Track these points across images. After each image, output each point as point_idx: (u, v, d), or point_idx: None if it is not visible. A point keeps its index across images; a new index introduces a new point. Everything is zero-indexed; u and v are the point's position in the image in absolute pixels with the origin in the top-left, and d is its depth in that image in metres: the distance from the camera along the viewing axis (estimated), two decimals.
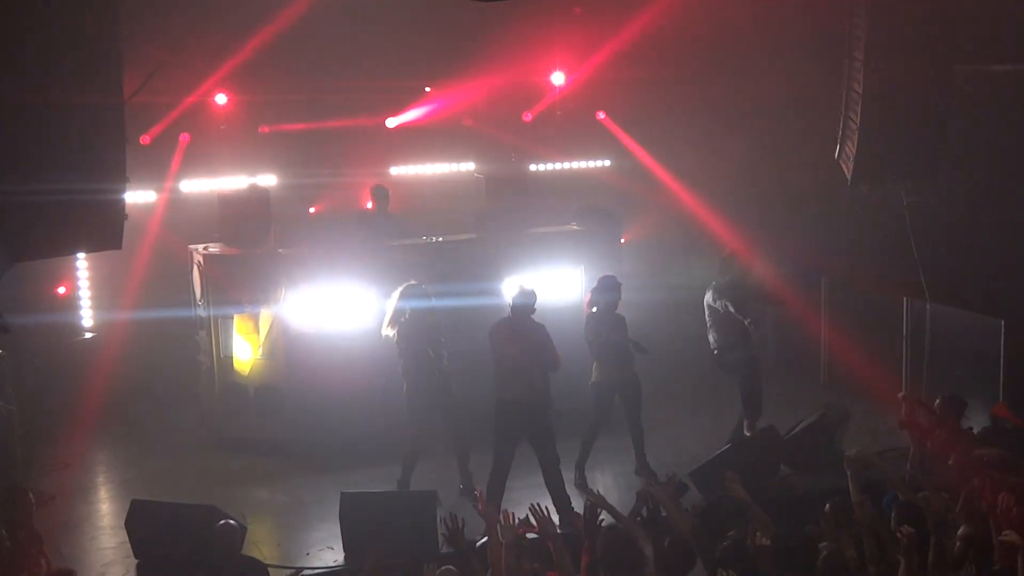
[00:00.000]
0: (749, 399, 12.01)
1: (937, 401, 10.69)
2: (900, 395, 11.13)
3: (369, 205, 14.87)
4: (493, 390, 10.73)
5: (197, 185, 15.25)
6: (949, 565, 7.23)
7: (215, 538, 8.59)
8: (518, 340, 10.64)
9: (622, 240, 14.64)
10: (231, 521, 8.83)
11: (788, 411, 12.46)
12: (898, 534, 7.03)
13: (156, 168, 14.60)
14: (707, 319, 12.11)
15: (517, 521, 7.65)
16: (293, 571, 9.70)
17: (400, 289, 11.39)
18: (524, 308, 10.79)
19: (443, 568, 7.52)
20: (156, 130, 14.61)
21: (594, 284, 11.99)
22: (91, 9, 9.04)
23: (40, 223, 9.16)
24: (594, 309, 11.80)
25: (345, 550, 9.94)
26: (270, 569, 9.37)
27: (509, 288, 11.39)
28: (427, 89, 16.22)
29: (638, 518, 8.07)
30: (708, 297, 12.07)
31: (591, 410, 11.78)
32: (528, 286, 10.97)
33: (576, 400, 12.03)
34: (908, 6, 11.76)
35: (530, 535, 7.73)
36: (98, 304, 14.61)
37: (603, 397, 11.77)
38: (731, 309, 11.77)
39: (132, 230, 10.39)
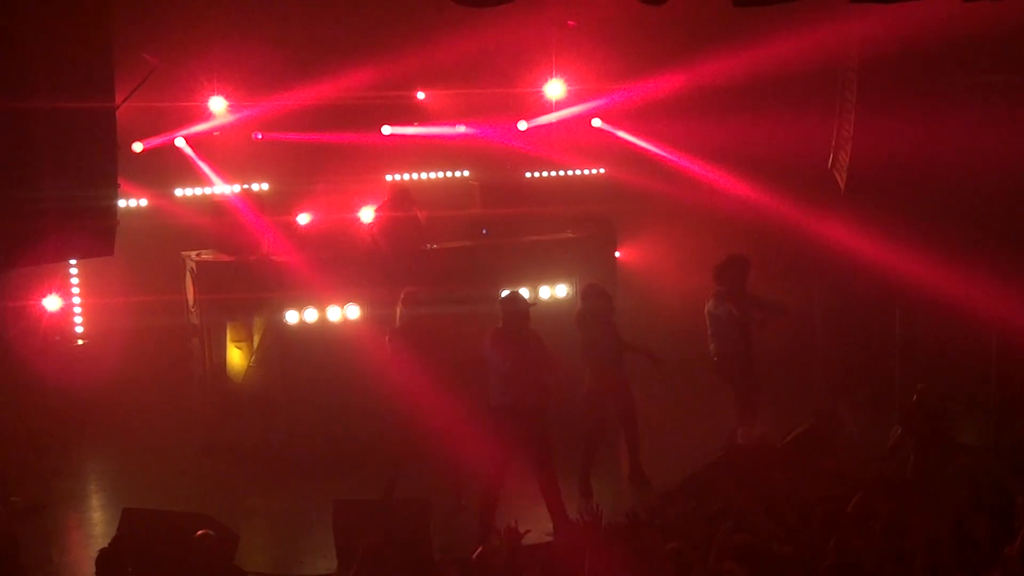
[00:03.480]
0: (744, 408, 12.00)
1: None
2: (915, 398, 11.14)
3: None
4: (487, 398, 10.67)
5: (190, 191, 15.23)
6: None
7: (194, 548, 8.54)
8: (512, 347, 10.59)
9: (617, 254, 14.59)
10: (210, 532, 8.76)
11: (783, 419, 12.43)
12: None
13: (148, 174, 14.57)
14: (708, 328, 12.10)
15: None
16: None
17: (401, 296, 11.38)
18: (516, 315, 10.73)
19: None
20: (149, 136, 14.56)
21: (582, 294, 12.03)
22: (83, 14, 9.01)
23: (31, 230, 9.12)
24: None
25: (339, 558, 9.89)
26: None
27: (501, 297, 11.37)
28: (420, 95, 16.20)
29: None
30: (709, 305, 12.07)
31: (587, 419, 11.76)
32: (519, 293, 10.95)
33: (570, 409, 12.00)
34: (901, 24, 11.80)
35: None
36: (90, 312, 14.57)
37: (597, 405, 11.75)
38: (735, 313, 11.77)
39: (124, 237, 10.36)
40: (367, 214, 13.97)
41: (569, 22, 15.69)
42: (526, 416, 10.49)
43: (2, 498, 11.18)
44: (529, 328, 10.73)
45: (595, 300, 11.79)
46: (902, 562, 7.15)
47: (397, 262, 13.00)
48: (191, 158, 15.02)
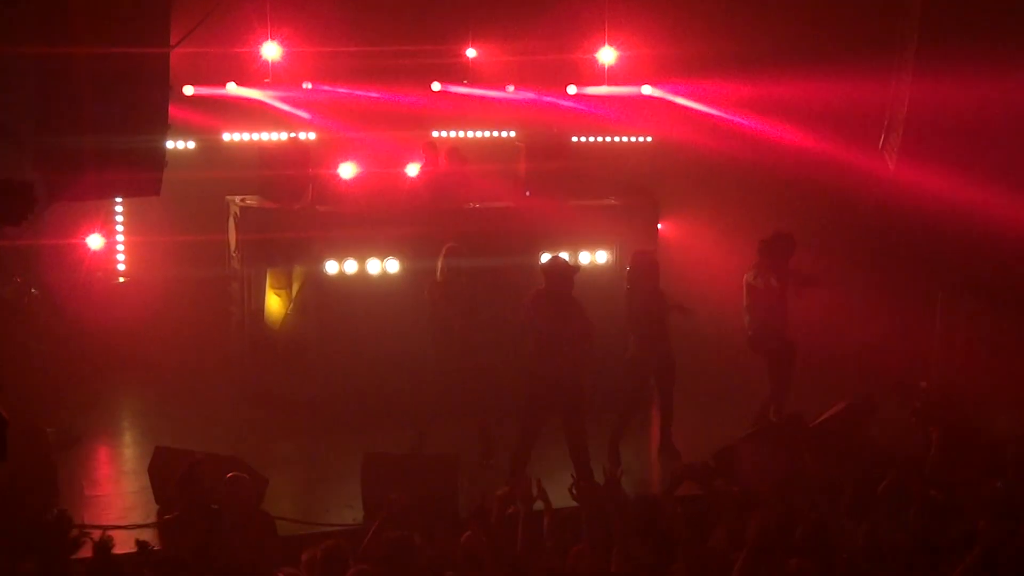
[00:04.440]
0: (777, 383, 11.96)
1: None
2: (923, 384, 11.08)
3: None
4: (527, 361, 10.67)
5: (238, 136, 15.28)
6: None
7: (223, 490, 8.63)
8: (552, 311, 10.58)
9: (659, 226, 14.52)
10: (240, 474, 8.86)
11: (816, 399, 12.38)
12: None
13: (198, 117, 14.63)
14: (744, 300, 12.05)
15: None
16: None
17: (443, 250, 11.41)
18: (558, 278, 10.71)
19: (467, 534, 7.56)
20: (200, 80, 14.61)
21: (630, 261, 11.98)
22: None
23: (81, 167, 9.21)
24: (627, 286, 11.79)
25: (365, 509, 9.97)
26: (283, 524, 9.40)
27: (544, 259, 11.34)
28: (471, 53, 16.15)
29: None
30: (748, 276, 12.01)
31: (627, 386, 11.76)
32: (562, 257, 10.92)
33: (608, 376, 12.01)
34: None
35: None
36: (132, 250, 14.69)
37: (639, 372, 11.73)
38: (775, 284, 11.70)
39: (170, 178, 10.42)
40: (414, 170, 13.94)
41: None
42: (561, 380, 10.50)
43: (37, 429, 11.36)
44: (571, 293, 10.70)
45: (643, 266, 11.73)
46: (936, 551, 7.09)
47: (438, 217, 13.00)
48: (254, 100, 15.06)
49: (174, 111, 9.79)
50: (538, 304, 10.62)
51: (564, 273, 10.69)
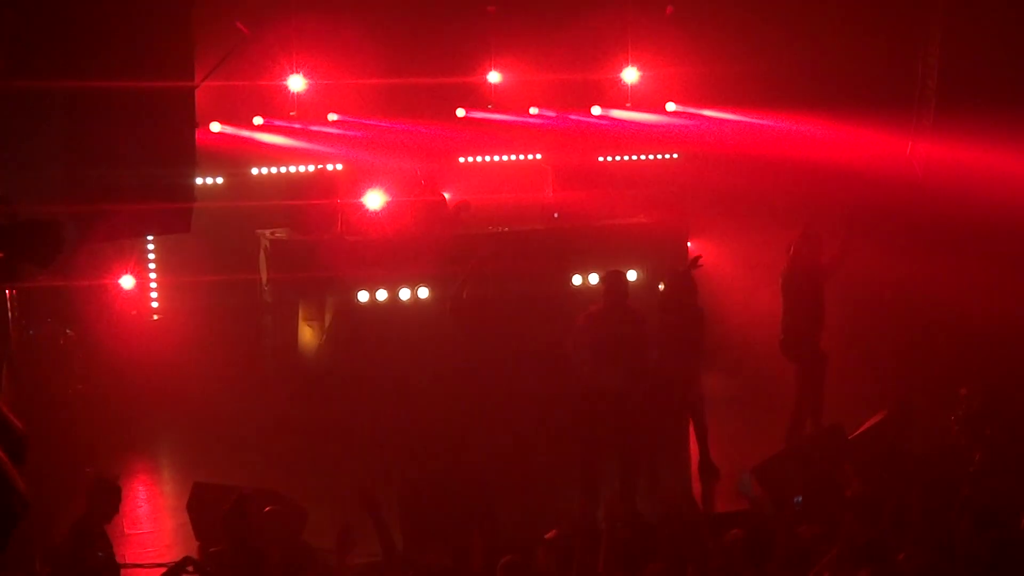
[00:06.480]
0: (806, 391, 11.86)
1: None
2: (963, 391, 10.95)
3: None
4: (581, 378, 10.60)
5: (266, 170, 15.35)
6: None
7: (261, 524, 8.62)
8: (608, 327, 10.48)
9: (689, 244, 14.45)
10: (279, 508, 8.84)
11: (855, 409, 12.25)
12: None
13: (226, 152, 14.71)
14: (782, 302, 11.95)
15: None
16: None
17: (468, 269, 11.42)
18: (617, 293, 10.61)
19: (506, 558, 7.50)
20: (226, 113, 14.70)
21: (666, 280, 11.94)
22: None
23: (109, 206, 9.24)
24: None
25: (404, 538, 9.92)
26: (321, 555, 9.36)
27: (605, 273, 11.26)
28: (494, 79, 16.17)
29: None
30: (783, 275, 11.94)
31: (655, 403, 11.68)
32: (622, 272, 10.88)
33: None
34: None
35: None
36: (165, 289, 14.76)
37: (665, 390, 11.65)
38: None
39: (200, 215, 10.46)
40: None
41: (668, 8, 15.53)
42: (616, 399, 10.42)
43: (76, 469, 11.40)
44: (627, 307, 10.63)
45: (678, 283, 11.66)
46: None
47: (469, 242, 13.01)
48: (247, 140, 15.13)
49: (200, 146, 9.82)
50: (592, 319, 10.53)
51: (621, 287, 10.62)
